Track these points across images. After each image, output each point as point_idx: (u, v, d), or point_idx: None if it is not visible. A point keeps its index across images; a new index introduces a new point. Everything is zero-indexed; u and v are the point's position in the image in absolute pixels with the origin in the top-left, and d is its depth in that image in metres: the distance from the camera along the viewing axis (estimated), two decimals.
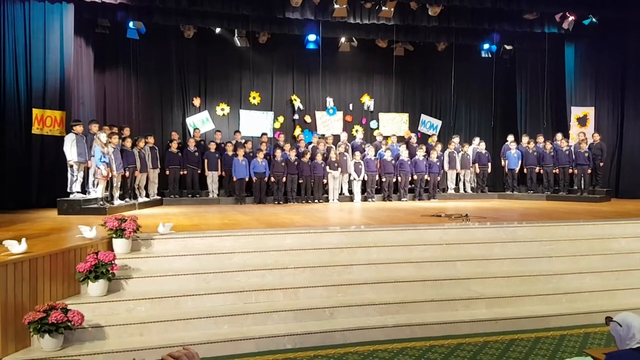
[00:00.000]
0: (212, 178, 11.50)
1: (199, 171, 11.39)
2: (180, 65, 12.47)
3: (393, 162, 11.98)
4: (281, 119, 13.23)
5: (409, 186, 12.22)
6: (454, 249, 5.94)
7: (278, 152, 11.26)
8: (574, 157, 11.68)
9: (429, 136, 13.77)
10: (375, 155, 11.96)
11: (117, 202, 8.85)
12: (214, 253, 5.38)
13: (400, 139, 13.22)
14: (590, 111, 12.48)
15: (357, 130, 13.50)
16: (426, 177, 12.20)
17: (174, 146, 11.20)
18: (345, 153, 11.97)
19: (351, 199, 11.79)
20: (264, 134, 12.26)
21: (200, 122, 12.53)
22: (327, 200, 11.49)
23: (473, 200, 12.03)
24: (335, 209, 9.84)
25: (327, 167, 11.46)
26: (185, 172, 11.26)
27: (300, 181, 11.34)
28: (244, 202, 11.09)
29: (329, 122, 13.42)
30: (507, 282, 5.50)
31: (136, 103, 11.82)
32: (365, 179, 11.79)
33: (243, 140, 12.00)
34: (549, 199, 11.64)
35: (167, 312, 4.57)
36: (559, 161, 11.88)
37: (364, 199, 11.75)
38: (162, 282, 4.94)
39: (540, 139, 12.44)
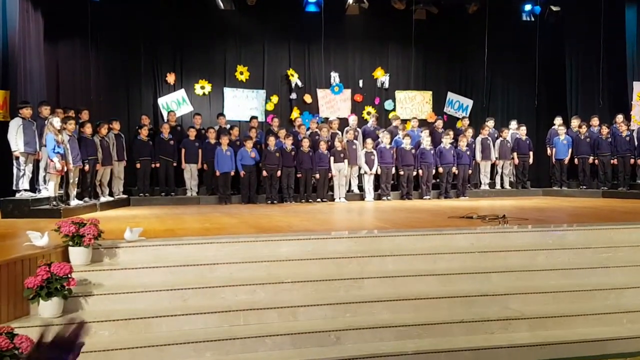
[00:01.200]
0: (191, 172, 11.58)
1: (175, 164, 11.48)
2: (150, 34, 12.52)
3: (413, 151, 12.05)
4: (275, 99, 13.30)
5: (433, 181, 12.33)
6: (489, 258, 5.93)
7: (271, 140, 11.31)
8: (636, 143, 11.66)
9: (458, 119, 13.81)
10: (391, 144, 12.01)
11: (74, 202, 8.89)
12: (193, 264, 5.38)
13: (422, 123, 13.29)
14: None
15: (368, 113, 13.59)
16: (454, 169, 12.29)
17: (143, 133, 11.27)
18: (355, 141, 12.03)
19: (362, 198, 11.90)
20: (253, 117, 12.33)
21: (175, 104, 12.64)
22: (332, 198, 11.60)
23: (512, 198, 12.10)
24: (342, 210, 9.94)
25: (332, 159, 11.49)
26: (158, 164, 11.34)
27: (299, 176, 11.43)
28: (229, 201, 11.17)
29: (334, 103, 13.51)
30: (555, 298, 5.48)
31: (96, 81, 11.88)
32: (379, 172, 11.86)
33: (228, 126, 12.06)
34: (606, 196, 11.71)
35: (135, 337, 4.57)
36: (618, 149, 11.92)
37: (378, 197, 11.87)
38: (130, 300, 4.94)
39: (595, 121, 12.48)
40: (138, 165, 11.13)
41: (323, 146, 11.48)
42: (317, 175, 11.34)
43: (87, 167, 9.42)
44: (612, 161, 12.06)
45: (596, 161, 12.30)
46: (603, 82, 12.99)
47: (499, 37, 13.56)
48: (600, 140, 12.13)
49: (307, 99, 13.41)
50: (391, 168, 11.96)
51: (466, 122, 13.30)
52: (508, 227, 6.69)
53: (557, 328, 5.14)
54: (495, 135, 12.97)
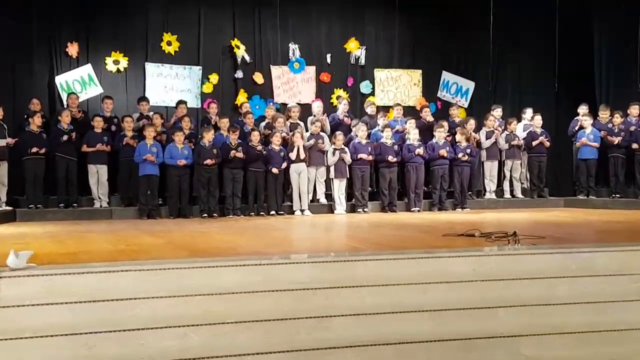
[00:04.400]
0: (98, 176, 11.40)
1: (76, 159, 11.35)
2: None
3: (396, 148, 12.09)
4: (214, 78, 13.25)
5: (424, 188, 12.38)
6: (495, 288, 5.91)
7: (208, 134, 11.24)
8: None
9: (454, 106, 13.91)
10: (368, 138, 12.09)
11: None
12: (103, 300, 5.24)
13: (409, 112, 13.40)
14: None
15: (339, 98, 13.60)
16: (450, 172, 12.41)
17: (34, 123, 11.06)
18: (321, 134, 12.04)
19: (331, 209, 11.94)
20: (180, 102, 12.25)
21: (78, 84, 12.44)
22: (291, 211, 11.63)
23: (526, 210, 12.19)
24: (304, 225, 9.99)
25: (291, 157, 11.52)
26: (52, 162, 11.12)
27: (249, 180, 11.39)
28: (154, 215, 11.07)
29: (294, 84, 13.55)
30: (580, 340, 5.52)
31: None
32: (353, 176, 11.95)
33: (151, 114, 11.96)
34: None
35: None
36: None
37: (352, 209, 11.96)
38: (15, 350, 4.78)
39: (635, 110, 12.53)
40: (24, 165, 10.89)
41: (275, 141, 11.47)
42: (275, 170, 11.35)
43: None
44: None
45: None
46: None
47: (510, 1, 13.73)
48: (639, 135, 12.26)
49: (258, 78, 13.38)
50: (368, 170, 12.01)
51: (456, 110, 13.46)
52: (520, 247, 6.74)
53: None
54: (505, 127, 13.14)
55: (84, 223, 10.21)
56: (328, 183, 12.20)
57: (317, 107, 12.72)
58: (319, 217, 11.25)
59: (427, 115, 13.11)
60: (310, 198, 11.96)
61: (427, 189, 12.52)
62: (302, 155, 11.63)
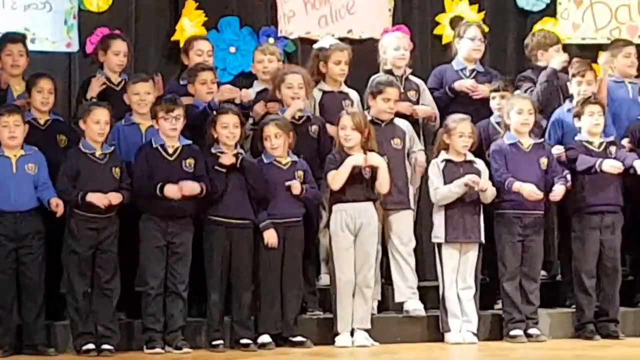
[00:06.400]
0: None
1: None
2: None
3: (622, 156, 10.64)
4: None
5: None
6: None
7: (91, 120, 9.53)
8: None
9: None
10: (539, 135, 10.84)
11: None
12: None
13: None
14: None
15: (456, 22, 12.16)
16: None
17: None
18: (403, 126, 10.59)
19: (437, 331, 10.53)
20: (10, 40, 11.03)
21: None
22: (324, 335, 10.21)
23: None
24: None
25: (330, 183, 10.05)
26: None
27: (210, 252, 9.88)
28: None
29: None
30: None
31: None
32: (503, 240, 10.61)
33: None
34: None
35: None
36: None
37: (495, 331, 10.59)
38: None
39: None
40: None
41: (273, 141, 9.66)
42: (271, 238, 9.79)
43: None
44: None
45: None
46: None
47: None
48: None
49: None
50: (539, 224, 10.25)
51: None
52: None
53: None
54: None
55: None
56: (422, 256, 10.63)
57: (396, 47, 10.71)
58: (402, 354, 9.48)
59: None
60: (377, 301, 10.29)
61: None
62: (365, 181, 9.98)
